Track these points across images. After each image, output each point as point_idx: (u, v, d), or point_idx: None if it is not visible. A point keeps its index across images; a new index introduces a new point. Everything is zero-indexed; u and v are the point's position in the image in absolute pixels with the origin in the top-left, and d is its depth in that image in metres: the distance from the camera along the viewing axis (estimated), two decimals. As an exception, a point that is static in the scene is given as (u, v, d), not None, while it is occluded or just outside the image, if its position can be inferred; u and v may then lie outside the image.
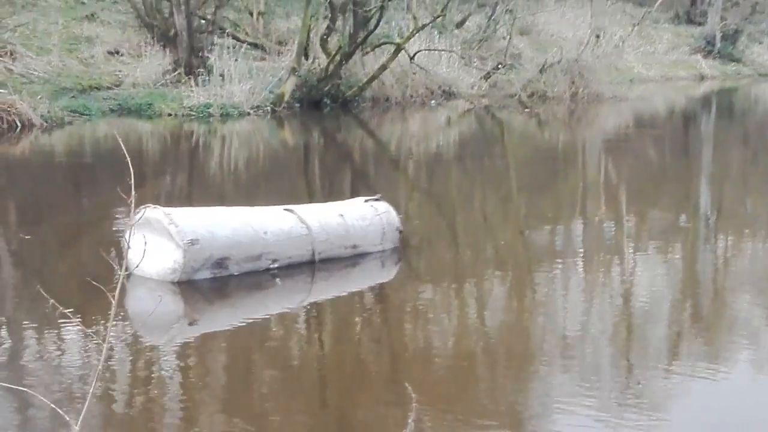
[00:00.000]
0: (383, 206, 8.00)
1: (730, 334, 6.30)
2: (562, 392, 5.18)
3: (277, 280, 7.22)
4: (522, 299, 7.22)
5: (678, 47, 36.05)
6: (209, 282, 7.01)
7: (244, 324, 6.51)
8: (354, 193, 10.36)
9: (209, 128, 16.88)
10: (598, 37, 27.95)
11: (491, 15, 26.99)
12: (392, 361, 5.88)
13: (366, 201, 8.03)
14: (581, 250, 8.82)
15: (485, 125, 20.74)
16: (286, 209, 7.61)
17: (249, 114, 17.83)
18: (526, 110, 21.83)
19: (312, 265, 7.50)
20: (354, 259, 7.79)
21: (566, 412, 4.91)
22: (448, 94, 22.70)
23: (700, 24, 38.58)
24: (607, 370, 5.59)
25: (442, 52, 23.43)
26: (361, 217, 7.83)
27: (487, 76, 23.99)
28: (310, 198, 10.13)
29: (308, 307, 6.99)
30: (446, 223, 10.06)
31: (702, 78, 34.02)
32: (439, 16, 22.39)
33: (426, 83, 22.08)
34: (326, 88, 19.76)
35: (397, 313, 6.85)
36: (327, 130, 18.14)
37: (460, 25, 26.85)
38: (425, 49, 22.55)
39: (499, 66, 24.14)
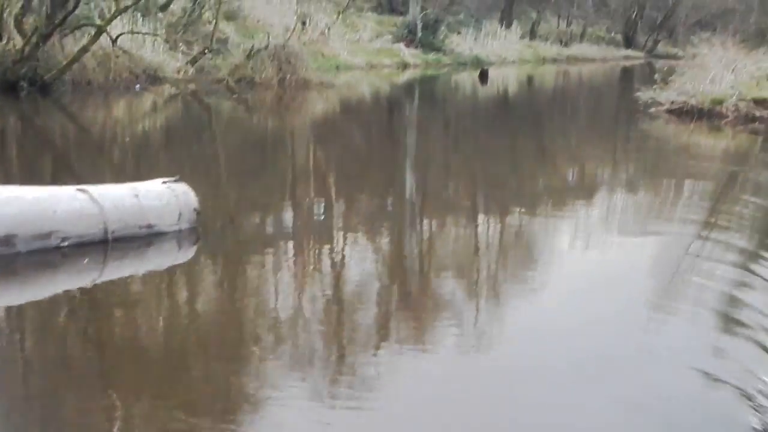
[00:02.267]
0: (181, 187, 8.07)
1: (435, 313, 6.43)
2: (275, 378, 5.09)
3: (86, 260, 7.08)
4: (258, 283, 7.07)
5: (381, 35, 37.08)
6: (-6, 260, 6.78)
7: (28, 302, 6.39)
8: (56, 179, 9.84)
9: None
10: (304, 23, 28.23)
11: (196, -1, 26.59)
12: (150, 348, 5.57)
13: (164, 182, 8.04)
14: (291, 236, 8.77)
15: (193, 110, 20.37)
16: (78, 189, 7.52)
17: (-65, 98, 16.57)
18: (234, 96, 21.65)
19: (106, 245, 7.41)
20: (150, 238, 7.74)
21: (279, 398, 4.83)
22: (154, 79, 22.13)
23: (401, 13, 39.85)
24: (319, 354, 5.55)
25: (147, 36, 22.82)
26: (157, 197, 7.85)
27: (193, 61, 23.59)
28: None
29: (95, 286, 6.72)
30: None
31: (405, 66, 35.19)
32: (141, -1, 21.79)
33: (130, 67, 21.41)
34: (23, 71, 18.69)
35: (177, 296, 6.82)
36: (24, 115, 17.13)
37: (164, 8, 26.17)
38: (128, 32, 21.88)
39: (206, 51, 23.79)
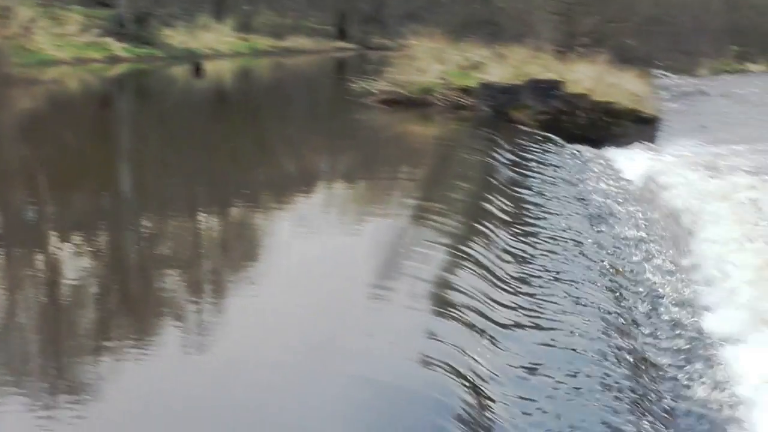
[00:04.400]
0: None
1: (157, 313, 6.31)
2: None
3: None
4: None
5: (90, 29, 35.80)
6: None
7: None
8: None
9: None
10: (6, 18, 26.87)
11: None
12: None
13: None
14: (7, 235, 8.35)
15: None
16: None
17: None
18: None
19: None
20: None
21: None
22: None
23: (110, 6, 38.66)
24: (36, 359, 5.34)
25: None
26: None
27: None
28: None
29: None
30: None
31: (116, 60, 34.20)
32: None
33: None
34: None
35: None
36: None
37: None
38: None
39: None
